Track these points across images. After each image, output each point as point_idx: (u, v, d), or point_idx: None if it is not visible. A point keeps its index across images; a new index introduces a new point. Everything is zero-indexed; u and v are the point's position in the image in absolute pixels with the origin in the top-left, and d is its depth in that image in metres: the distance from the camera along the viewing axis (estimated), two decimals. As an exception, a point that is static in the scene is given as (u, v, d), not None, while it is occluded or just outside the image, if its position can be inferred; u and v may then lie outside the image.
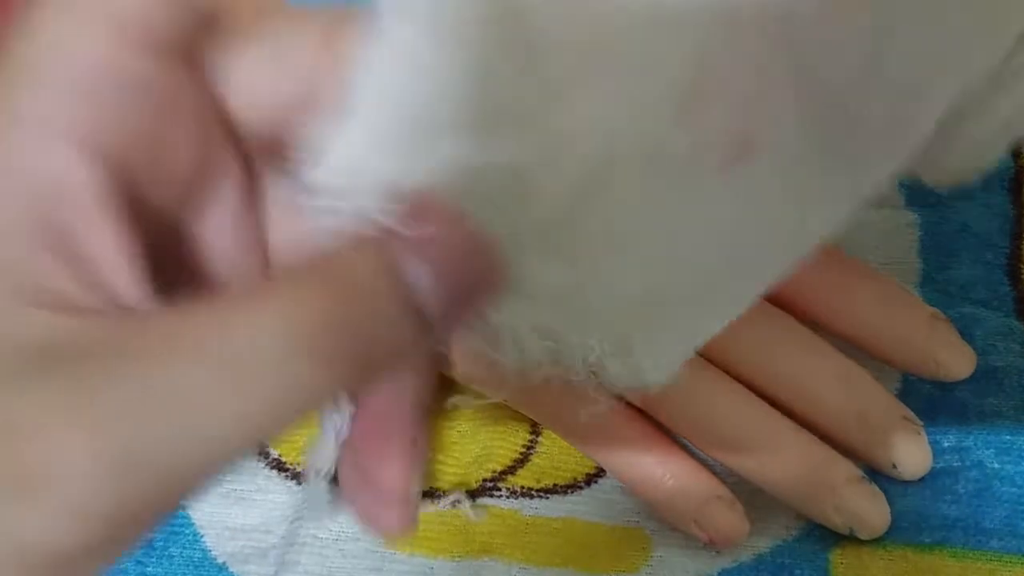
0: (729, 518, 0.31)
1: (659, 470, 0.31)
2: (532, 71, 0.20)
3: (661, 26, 0.21)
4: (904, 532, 0.31)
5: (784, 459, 0.31)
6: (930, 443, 0.31)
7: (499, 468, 0.34)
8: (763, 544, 0.32)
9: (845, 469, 0.31)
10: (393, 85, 0.19)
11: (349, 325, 0.16)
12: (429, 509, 0.33)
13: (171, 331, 0.16)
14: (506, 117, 0.20)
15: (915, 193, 0.35)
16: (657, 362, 0.23)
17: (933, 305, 0.33)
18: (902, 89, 0.21)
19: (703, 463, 0.32)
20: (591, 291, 0.21)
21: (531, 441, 0.34)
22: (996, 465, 0.32)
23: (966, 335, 0.33)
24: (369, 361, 0.17)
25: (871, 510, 0.31)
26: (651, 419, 0.32)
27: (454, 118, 0.19)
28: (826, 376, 0.31)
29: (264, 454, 0.35)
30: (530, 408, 0.33)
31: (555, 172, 0.20)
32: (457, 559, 0.33)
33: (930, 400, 0.33)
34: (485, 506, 0.33)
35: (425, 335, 0.17)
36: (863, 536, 0.31)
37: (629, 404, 0.32)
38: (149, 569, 0.33)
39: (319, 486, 0.34)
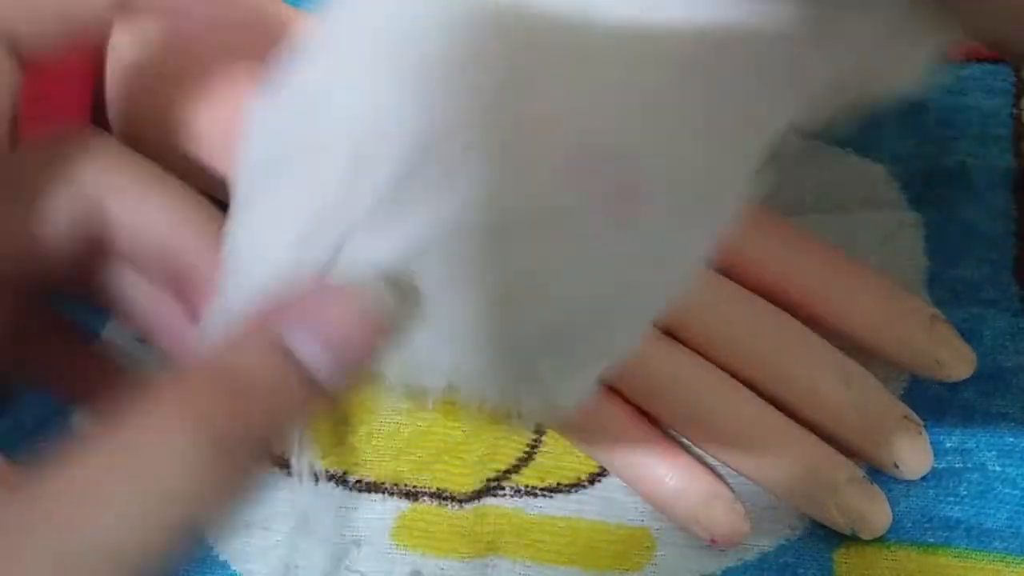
0: (730, 518, 0.31)
1: (660, 470, 0.32)
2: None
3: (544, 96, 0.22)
4: (907, 532, 0.31)
5: (785, 459, 0.31)
6: (932, 443, 0.31)
7: (503, 467, 0.34)
8: (767, 543, 0.32)
9: (846, 469, 0.31)
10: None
11: (248, 411, 0.18)
12: (439, 511, 0.34)
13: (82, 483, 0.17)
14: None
15: (917, 194, 0.35)
16: (567, 388, 0.24)
17: (942, 304, 0.33)
18: None
19: (705, 463, 0.32)
20: (496, 327, 0.22)
21: (535, 440, 0.34)
22: (998, 468, 0.32)
23: (975, 335, 0.33)
24: (271, 431, 0.19)
25: (872, 510, 0.31)
26: (653, 419, 0.32)
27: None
28: (827, 376, 0.31)
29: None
30: None
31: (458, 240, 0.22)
32: (466, 559, 0.33)
33: (937, 400, 0.33)
34: (490, 505, 0.34)
35: (319, 397, 0.19)
36: (865, 536, 0.31)
37: (631, 404, 0.32)
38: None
39: (327, 487, 0.34)
